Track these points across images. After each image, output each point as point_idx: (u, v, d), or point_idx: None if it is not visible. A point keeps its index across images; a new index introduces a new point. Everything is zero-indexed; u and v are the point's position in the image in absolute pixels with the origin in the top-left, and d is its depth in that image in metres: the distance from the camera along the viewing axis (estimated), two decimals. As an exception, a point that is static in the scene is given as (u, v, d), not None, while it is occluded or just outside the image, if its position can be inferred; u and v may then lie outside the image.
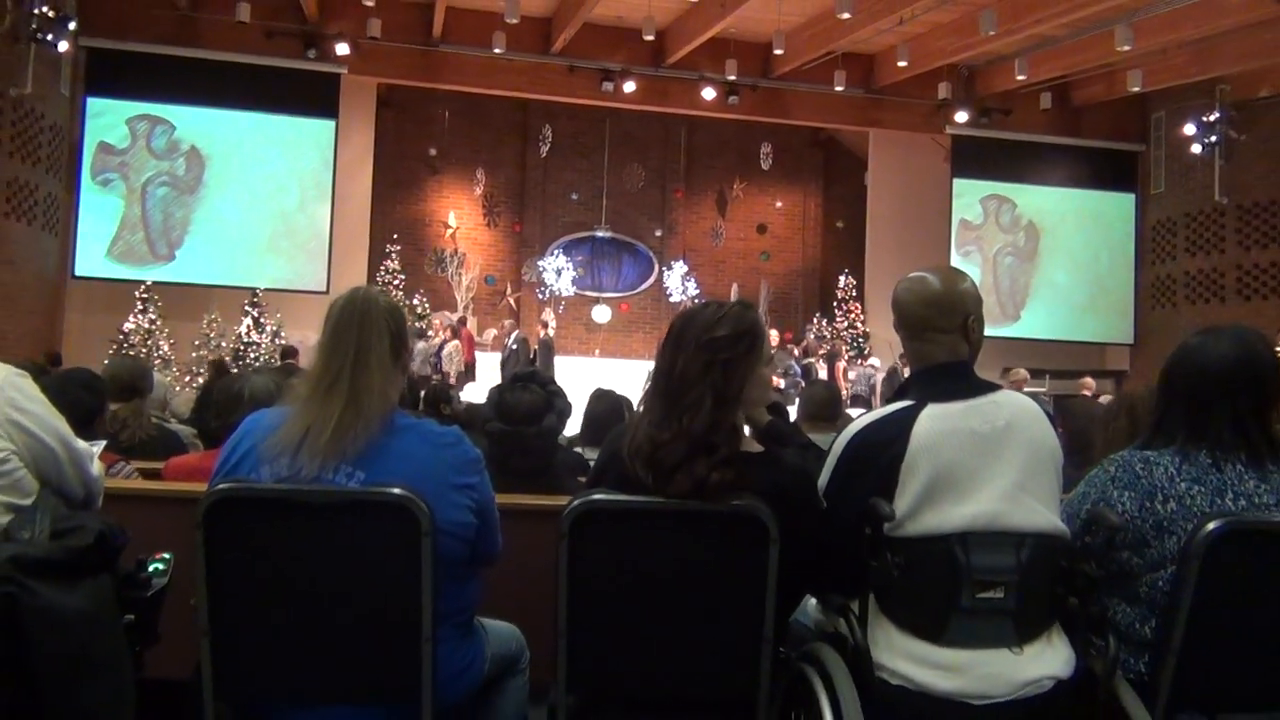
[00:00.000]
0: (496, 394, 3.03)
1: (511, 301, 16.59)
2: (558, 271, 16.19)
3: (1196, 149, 13.02)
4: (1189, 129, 12.96)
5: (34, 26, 10.14)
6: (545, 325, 14.36)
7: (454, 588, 2.03)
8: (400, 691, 1.92)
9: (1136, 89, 12.75)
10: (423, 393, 6.30)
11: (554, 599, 1.97)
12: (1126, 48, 11.18)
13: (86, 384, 3.28)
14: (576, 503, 1.95)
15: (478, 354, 14.37)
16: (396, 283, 14.36)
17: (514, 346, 13.95)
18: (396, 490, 1.87)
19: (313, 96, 13.25)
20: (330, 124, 13.48)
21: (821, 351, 14.57)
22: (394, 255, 14.72)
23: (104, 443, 2.67)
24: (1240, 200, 13.19)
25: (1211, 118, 12.64)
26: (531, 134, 16.58)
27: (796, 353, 14.61)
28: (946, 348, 2.18)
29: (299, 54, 13.00)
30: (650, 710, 2.07)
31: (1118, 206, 15.07)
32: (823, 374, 13.67)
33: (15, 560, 1.73)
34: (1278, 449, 2.16)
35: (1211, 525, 1.99)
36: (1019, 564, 1.98)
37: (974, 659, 1.98)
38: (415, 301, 14.53)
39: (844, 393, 13.67)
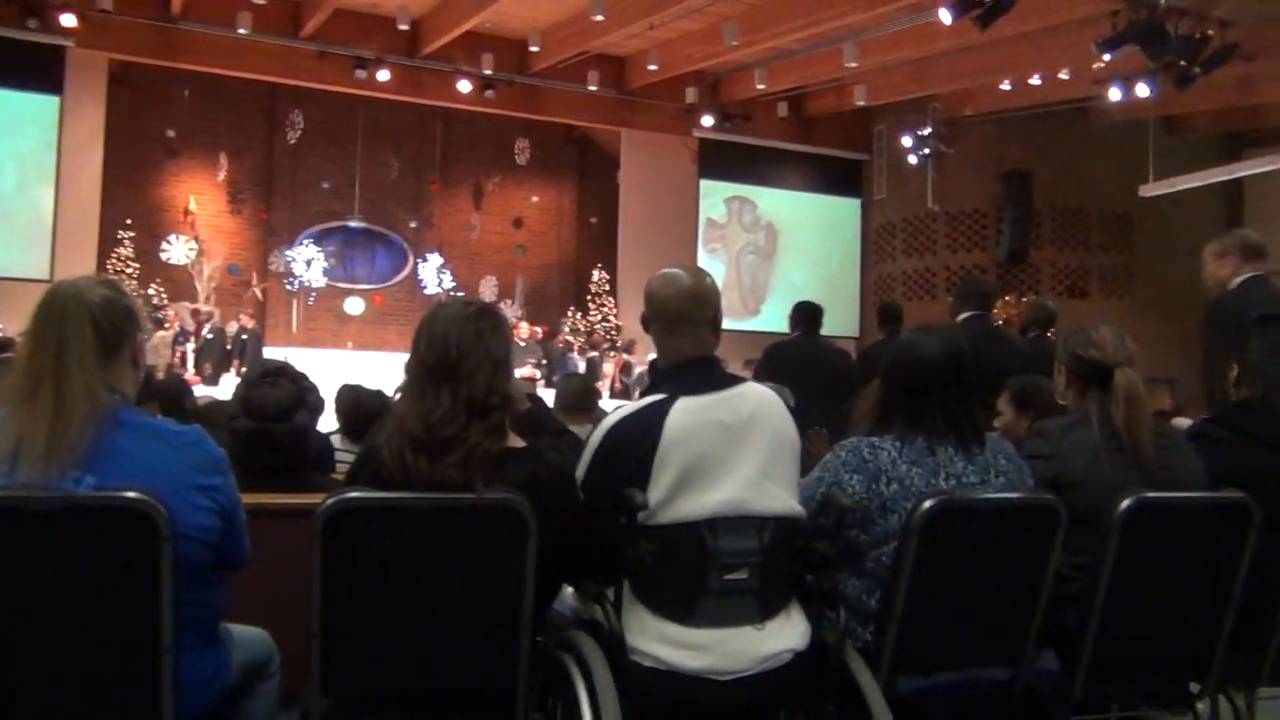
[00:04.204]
0: (243, 389, 2.89)
1: (258, 292, 15.76)
2: (307, 262, 15.51)
3: (912, 160, 14.11)
4: (906, 141, 14.02)
5: None
6: (252, 315, 13.84)
7: (196, 595, 1.93)
8: (138, 706, 1.81)
9: (862, 103, 13.67)
10: (153, 388, 5.86)
11: (306, 600, 1.92)
12: (853, 64, 11.98)
13: None
14: (330, 501, 1.90)
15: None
16: (130, 271, 13.36)
17: (209, 336, 13.36)
18: (131, 494, 1.76)
19: (33, 70, 12.01)
20: (54, 100, 12.28)
21: (605, 345, 14.85)
22: (127, 242, 13.66)
23: None
24: (949, 208, 14.43)
25: (925, 132, 13.76)
26: (279, 119, 15.79)
27: (576, 346, 14.80)
28: (698, 340, 2.29)
29: (17, 22, 11.77)
30: (408, 707, 2.05)
31: (846, 210, 16.10)
32: (608, 367, 14.06)
33: None
34: (981, 433, 2.42)
35: (927, 504, 2.19)
36: (761, 546, 2.12)
37: (720, 637, 2.09)
38: (151, 292, 13.59)
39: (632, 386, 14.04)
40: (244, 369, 12.23)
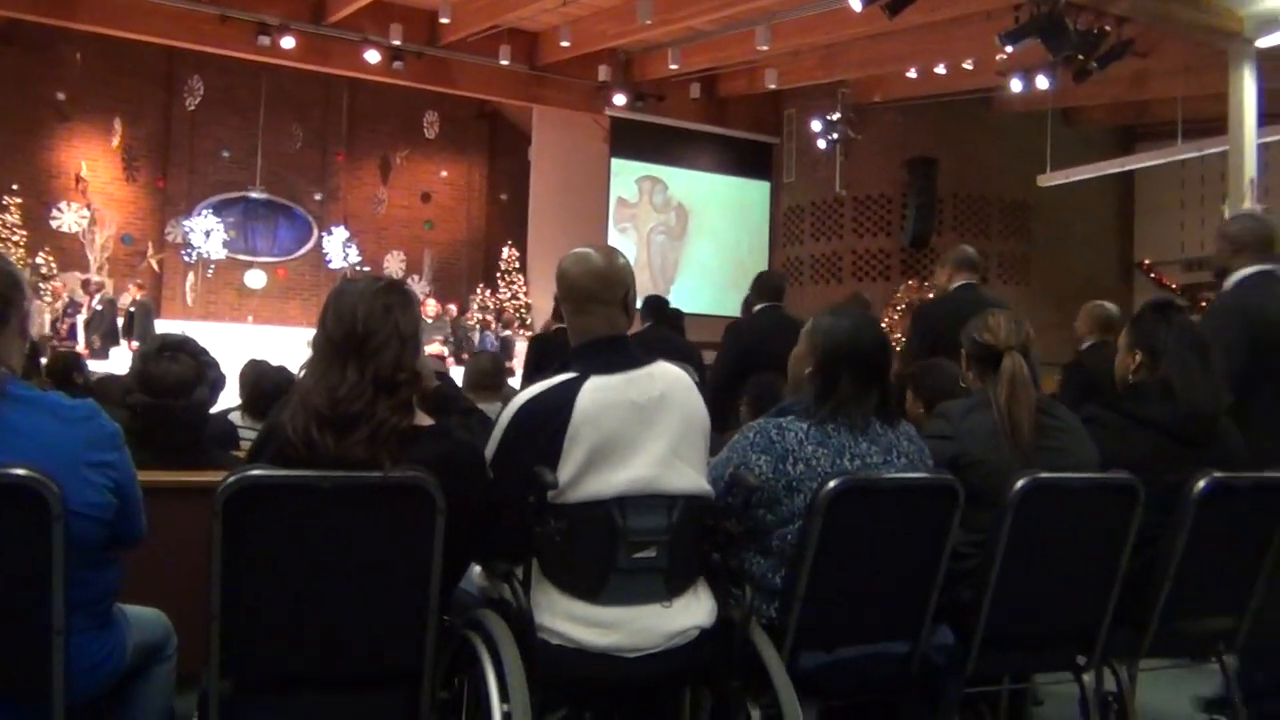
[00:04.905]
0: (140, 363, 2.79)
1: (154, 263, 15.23)
2: (206, 233, 15.04)
3: (821, 144, 14.30)
4: (815, 126, 14.20)
5: None
6: (141, 286, 13.44)
7: (90, 575, 1.88)
8: (27, 690, 1.76)
9: (773, 86, 13.77)
10: (43, 360, 5.64)
11: (205, 580, 1.87)
12: (765, 47, 12.06)
13: None
14: (231, 479, 1.85)
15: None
16: (17, 239, 12.83)
17: (99, 308, 12.95)
18: (20, 470, 1.69)
19: (-93, 24, 11.42)
20: (-70, 57, 11.70)
21: (516, 324, 14.83)
22: (13, 208, 13.11)
23: None
24: (856, 193, 14.66)
25: (834, 117, 13.95)
26: (178, 84, 15.26)
27: (490, 325, 14.72)
28: (607, 320, 2.29)
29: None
30: (311, 688, 2.01)
31: (756, 193, 16.23)
32: (521, 345, 14.01)
33: None
34: (887, 413, 2.47)
35: (832, 483, 2.23)
36: (670, 524, 2.14)
37: (628, 615, 2.11)
38: (40, 261, 13.07)
39: None
40: (134, 342, 11.85)
